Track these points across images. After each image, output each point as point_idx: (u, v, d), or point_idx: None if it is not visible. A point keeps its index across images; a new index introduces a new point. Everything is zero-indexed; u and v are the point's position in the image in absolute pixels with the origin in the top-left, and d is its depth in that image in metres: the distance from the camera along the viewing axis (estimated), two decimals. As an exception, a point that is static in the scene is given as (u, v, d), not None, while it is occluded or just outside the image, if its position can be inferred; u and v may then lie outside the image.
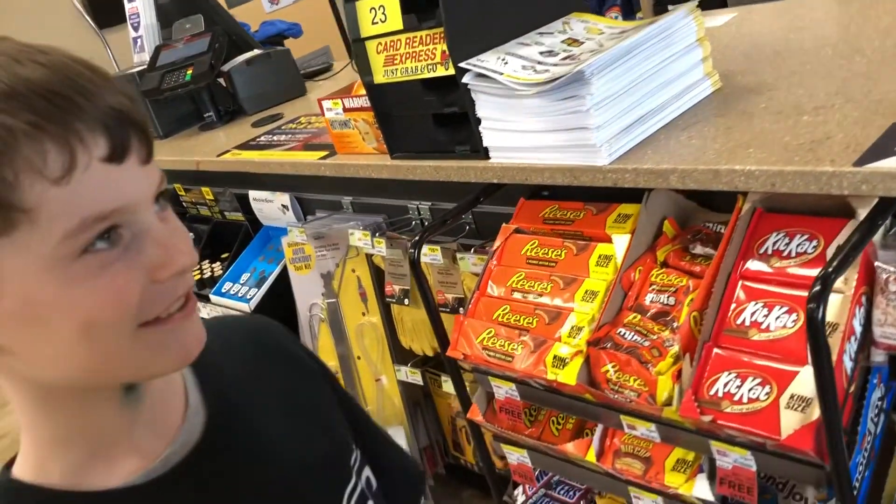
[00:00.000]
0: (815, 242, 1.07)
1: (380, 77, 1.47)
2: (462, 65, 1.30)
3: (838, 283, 1.01)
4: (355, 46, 1.49)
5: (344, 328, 2.05)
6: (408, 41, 1.40)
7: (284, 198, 2.16)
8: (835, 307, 1.00)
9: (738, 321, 1.08)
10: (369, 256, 1.91)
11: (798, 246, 1.08)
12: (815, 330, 0.87)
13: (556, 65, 1.26)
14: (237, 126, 2.46)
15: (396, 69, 1.44)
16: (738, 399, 1.02)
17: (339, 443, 0.73)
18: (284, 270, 2.18)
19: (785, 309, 1.05)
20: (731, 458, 1.06)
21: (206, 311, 2.36)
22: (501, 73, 1.25)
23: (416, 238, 1.43)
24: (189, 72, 2.39)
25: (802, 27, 1.52)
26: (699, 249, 1.22)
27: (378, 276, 1.93)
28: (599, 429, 1.26)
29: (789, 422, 0.96)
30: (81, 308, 0.50)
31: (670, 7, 1.38)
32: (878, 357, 0.99)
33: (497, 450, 1.45)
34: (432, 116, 1.46)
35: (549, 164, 1.27)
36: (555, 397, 1.26)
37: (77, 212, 0.49)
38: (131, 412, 0.59)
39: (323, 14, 3.89)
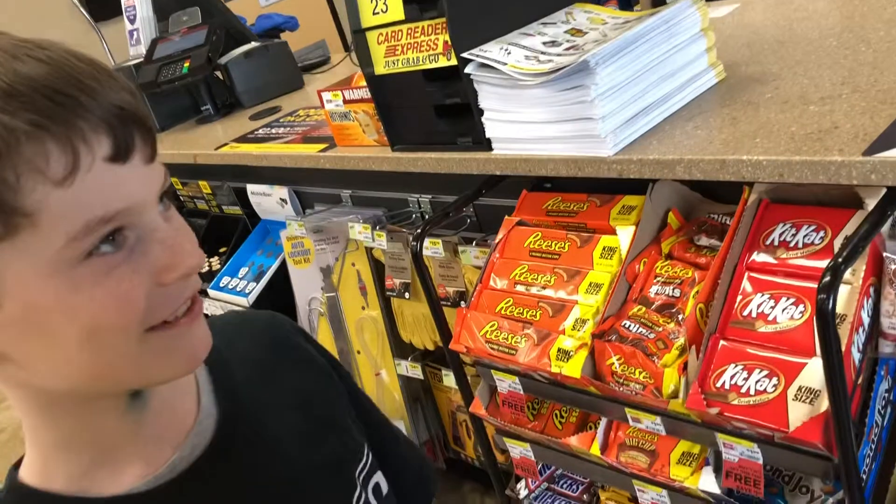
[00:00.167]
0: (821, 233, 1.06)
1: (381, 68, 1.46)
2: (464, 55, 1.29)
3: (846, 275, 1.00)
4: (356, 37, 1.47)
5: (343, 322, 2.04)
6: (409, 32, 1.38)
7: (283, 191, 2.15)
8: (843, 298, 0.99)
9: (745, 313, 1.07)
10: (369, 250, 1.90)
11: (805, 237, 1.07)
12: (825, 321, 0.86)
13: (559, 55, 1.25)
14: (235, 119, 2.45)
15: (398, 60, 1.42)
16: (746, 391, 1.01)
17: (350, 446, 0.71)
18: (283, 264, 2.17)
19: (792, 300, 1.04)
20: (737, 450, 1.05)
21: (203, 306, 2.34)
22: (504, 64, 1.24)
23: (419, 231, 1.42)
24: (186, 64, 2.37)
25: (805, 17, 1.51)
26: (704, 241, 1.21)
27: (378, 269, 1.92)
28: (604, 422, 1.25)
29: (797, 414, 0.96)
30: (85, 313, 0.49)
31: (668, 0, 1.37)
32: (887, 348, 0.99)
33: (499, 443, 1.44)
34: (434, 108, 1.44)
35: (552, 155, 1.26)
36: (559, 390, 1.25)
37: (81, 214, 0.47)
38: (137, 419, 0.57)
39: (319, 8, 3.87)
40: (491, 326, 1.30)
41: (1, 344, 0.50)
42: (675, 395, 1.06)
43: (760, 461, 1.04)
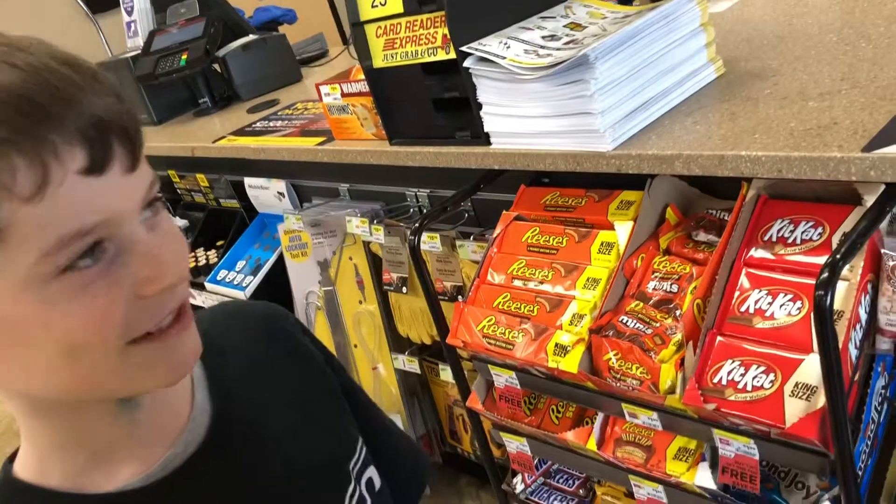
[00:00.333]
0: (820, 229, 1.06)
1: (379, 61, 1.45)
2: (463, 49, 1.28)
3: (844, 271, 1.00)
4: (354, 30, 1.46)
5: (341, 316, 2.03)
6: (408, 25, 1.37)
7: (280, 185, 2.14)
8: (841, 295, 0.99)
9: (742, 309, 1.07)
10: (366, 244, 1.90)
11: (803, 233, 1.07)
12: (823, 317, 0.86)
13: (558, 49, 1.24)
14: (232, 112, 2.44)
15: (396, 53, 1.42)
16: (742, 387, 1.01)
17: (344, 442, 0.71)
18: (280, 258, 2.16)
19: (790, 296, 1.04)
20: (733, 446, 1.05)
21: (200, 300, 2.34)
22: (504, 58, 1.23)
23: (416, 225, 1.41)
24: (184, 57, 2.36)
25: (806, 12, 1.50)
26: (702, 236, 1.20)
27: (375, 263, 1.92)
28: (600, 417, 1.25)
29: (794, 410, 0.96)
30: (61, 329, 0.48)
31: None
32: (884, 345, 0.99)
33: (495, 438, 1.44)
34: (432, 102, 1.44)
35: (551, 149, 1.26)
36: (555, 385, 1.25)
37: (53, 230, 0.45)
38: (129, 419, 0.57)
39: (317, 1, 3.85)
40: (488, 321, 1.30)
41: None
42: (671, 390, 1.06)
43: (757, 457, 1.04)
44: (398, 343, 1.96)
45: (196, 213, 2.57)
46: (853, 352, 0.97)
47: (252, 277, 2.18)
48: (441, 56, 1.34)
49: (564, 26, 1.34)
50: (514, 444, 1.41)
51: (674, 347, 1.10)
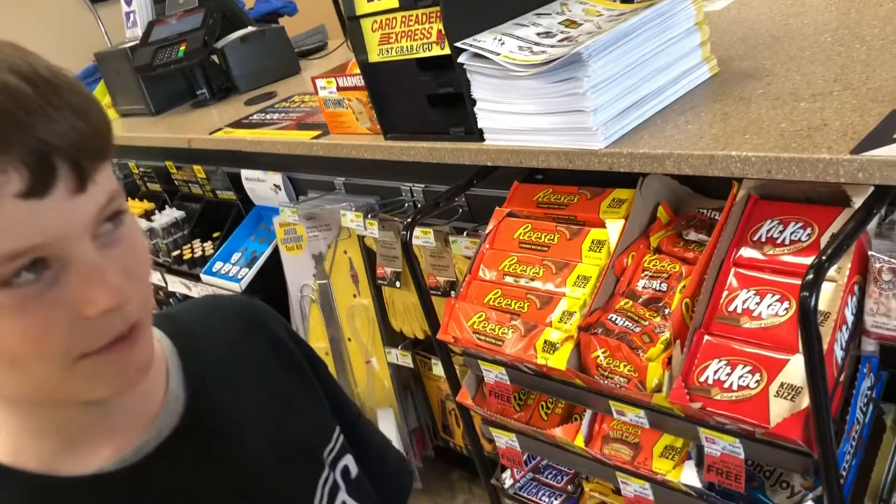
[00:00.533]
0: (808, 230, 1.06)
1: (374, 56, 1.45)
2: (458, 44, 1.28)
3: (831, 272, 1.00)
4: (350, 24, 1.47)
5: (335, 309, 2.04)
6: (403, 20, 1.38)
7: (277, 177, 2.15)
8: (827, 296, 0.99)
9: (730, 308, 1.08)
10: (361, 238, 1.90)
11: (792, 234, 1.07)
12: (807, 319, 0.87)
13: (553, 46, 1.24)
14: (230, 104, 2.44)
15: (391, 48, 1.42)
16: (728, 387, 1.01)
17: (317, 431, 0.72)
18: (276, 251, 2.17)
19: (777, 297, 1.04)
20: (719, 445, 1.06)
21: (196, 291, 2.34)
22: (498, 54, 1.23)
23: (408, 220, 1.42)
24: (182, 48, 2.36)
25: (802, 12, 1.50)
26: (693, 235, 1.21)
27: (370, 257, 1.92)
28: (588, 414, 1.25)
29: (778, 410, 0.96)
30: (2, 343, 0.48)
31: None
32: (869, 346, 0.99)
33: (486, 433, 1.45)
34: (427, 97, 1.44)
35: (544, 147, 1.26)
36: (545, 382, 1.26)
37: None
38: (100, 409, 0.58)
39: (319, -8, 3.84)
40: (479, 317, 1.30)
41: None
42: (658, 389, 1.07)
43: (742, 456, 1.04)
44: (391, 337, 1.97)
45: (193, 205, 2.57)
46: (839, 353, 0.97)
47: (247, 270, 2.18)
48: (436, 51, 1.34)
49: (560, 23, 1.34)
50: (504, 440, 1.41)
51: (662, 346, 1.10)
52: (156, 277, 2.53)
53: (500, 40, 1.27)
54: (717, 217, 1.20)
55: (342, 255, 1.98)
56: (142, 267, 0.54)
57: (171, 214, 2.52)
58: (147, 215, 2.62)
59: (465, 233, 1.58)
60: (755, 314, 1.05)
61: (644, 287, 1.19)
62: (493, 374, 1.34)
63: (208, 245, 2.41)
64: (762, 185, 1.13)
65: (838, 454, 1.00)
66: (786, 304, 1.03)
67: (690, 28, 1.30)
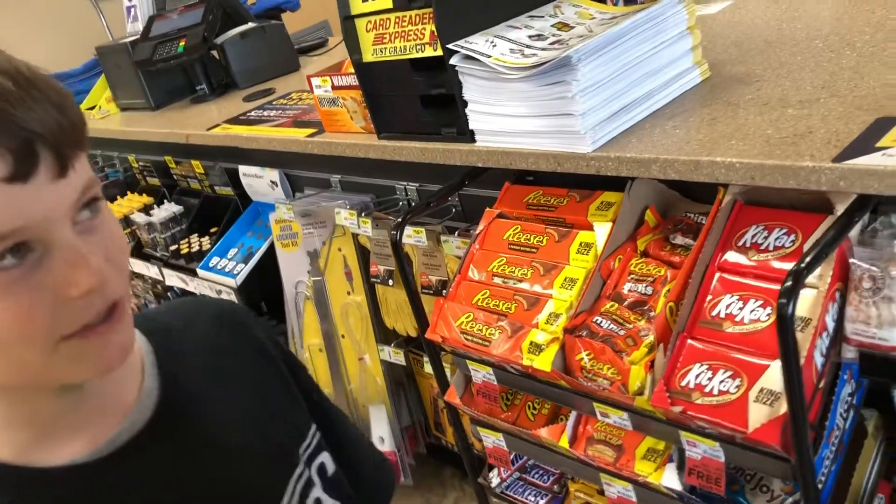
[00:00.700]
0: (793, 237, 1.07)
1: (368, 56, 1.46)
2: (450, 46, 1.29)
3: (813, 279, 1.01)
4: (345, 24, 1.47)
5: (329, 306, 2.05)
6: (397, 20, 1.38)
7: (274, 174, 2.16)
8: (808, 302, 1.00)
9: (714, 313, 1.08)
10: (355, 236, 1.91)
11: (776, 240, 1.08)
12: (785, 325, 0.87)
13: (544, 49, 1.25)
14: (229, 99, 2.45)
15: (385, 48, 1.43)
16: (709, 391, 1.02)
17: (291, 429, 0.73)
18: (272, 247, 2.18)
19: (760, 302, 1.05)
20: (700, 448, 1.07)
21: (193, 286, 2.36)
22: (489, 56, 1.24)
23: (398, 220, 1.42)
24: (182, 43, 2.37)
25: (796, 17, 1.50)
26: (679, 240, 1.21)
27: (364, 255, 1.93)
28: (573, 415, 1.26)
29: (757, 415, 0.97)
30: None
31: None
32: (849, 353, 1.00)
33: (473, 432, 1.46)
34: (420, 97, 1.45)
35: (533, 149, 1.26)
36: (531, 383, 1.26)
37: None
38: (74, 399, 0.59)
39: (322, -13, 3.84)
40: (466, 317, 1.31)
41: None
42: (640, 392, 1.08)
43: (722, 460, 1.05)
44: (384, 334, 1.98)
45: (191, 200, 2.58)
46: (819, 359, 0.98)
47: (243, 265, 2.19)
48: (429, 52, 1.35)
49: (552, 26, 1.35)
50: (491, 439, 1.42)
51: (645, 349, 1.11)
52: (153, 272, 2.55)
53: (491, 42, 1.28)
54: (704, 221, 1.20)
55: (337, 252, 1.99)
56: (120, 252, 0.57)
57: (169, 209, 2.53)
58: (146, 209, 2.64)
59: (456, 233, 1.58)
60: (738, 319, 1.06)
61: (630, 290, 1.20)
62: (481, 374, 1.35)
63: (206, 240, 2.42)
64: (748, 190, 1.13)
65: (817, 459, 1.01)
66: (768, 310, 1.03)
67: (682, 32, 1.30)
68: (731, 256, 1.11)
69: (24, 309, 0.50)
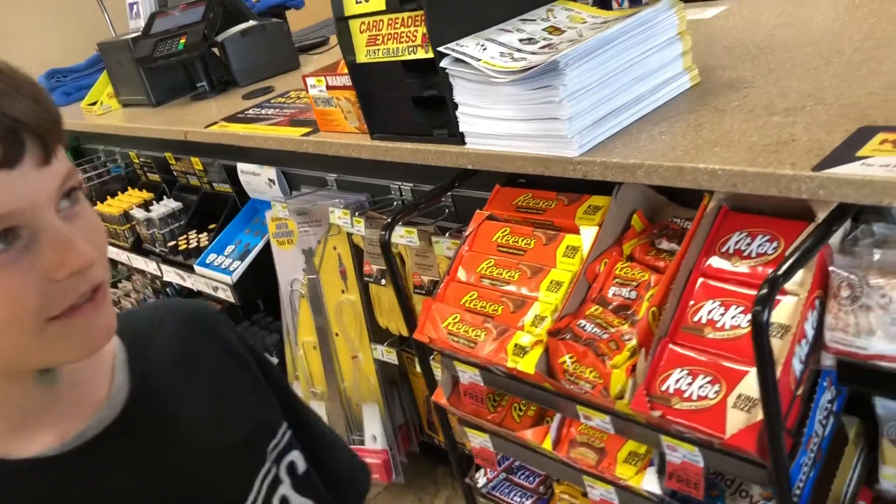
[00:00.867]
0: (775, 244, 1.07)
1: (362, 57, 1.47)
2: (441, 49, 1.30)
3: (793, 286, 1.02)
4: (339, 25, 1.48)
5: (323, 304, 2.06)
6: (390, 22, 1.39)
7: (271, 172, 2.17)
8: (788, 310, 1.01)
9: (695, 318, 1.09)
10: (350, 235, 1.92)
11: (759, 246, 1.09)
12: (760, 332, 0.88)
13: (533, 53, 1.26)
14: (229, 97, 2.46)
15: (378, 49, 1.43)
16: (688, 396, 1.03)
17: (260, 427, 0.75)
18: (268, 244, 2.19)
19: (741, 309, 1.05)
20: (680, 453, 1.07)
21: (190, 282, 2.38)
22: (479, 59, 1.24)
23: (388, 221, 1.43)
24: (182, 41, 2.39)
25: (788, 23, 1.51)
26: (665, 245, 1.22)
27: (358, 254, 1.94)
28: (558, 418, 1.27)
29: (735, 421, 0.97)
30: None
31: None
32: (828, 361, 1.00)
33: (462, 432, 1.47)
34: (412, 99, 1.46)
35: (521, 152, 1.27)
36: (516, 384, 1.27)
37: None
38: (48, 391, 0.61)
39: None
40: (454, 318, 1.32)
41: None
42: (621, 395, 1.08)
43: (701, 465, 1.06)
44: (378, 333, 1.99)
45: (190, 196, 2.60)
46: (797, 366, 0.99)
47: (239, 262, 2.21)
48: (421, 55, 1.35)
49: (543, 30, 1.35)
50: (478, 440, 1.43)
51: (627, 353, 1.12)
52: (152, 267, 2.57)
53: (482, 45, 1.29)
54: (689, 227, 1.21)
55: (331, 251, 2.00)
56: (100, 239, 0.59)
57: (168, 205, 2.55)
58: (145, 205, 2.66)
59: (447, 233, 1.59)
60: (719, 325, 1.07)
61: (615, 294, 1.21)
62: (468, 375, 1.36)
63: (203, 236, 2.44)
64: (733, 196, 1.14)
65: (795, 465, 1.01)
66: (748, 317, 1.04)
67: (672, 38, 1.30)
68: (715, 262, 1.12)
69: (13, 291, 0.53)
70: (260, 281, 2.21)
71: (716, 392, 1.01)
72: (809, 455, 1.04)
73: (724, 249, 1.12)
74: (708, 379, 1.03)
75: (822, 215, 1.00)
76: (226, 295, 2.22)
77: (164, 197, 2.66)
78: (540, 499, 1.45)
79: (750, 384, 0.99)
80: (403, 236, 1.62)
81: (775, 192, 0.98)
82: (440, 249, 1.57)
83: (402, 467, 2.17)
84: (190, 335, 0.75)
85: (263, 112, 2.08)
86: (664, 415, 1.03)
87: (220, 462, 0.70)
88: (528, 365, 1.18)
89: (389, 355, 1.95)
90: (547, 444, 1.25)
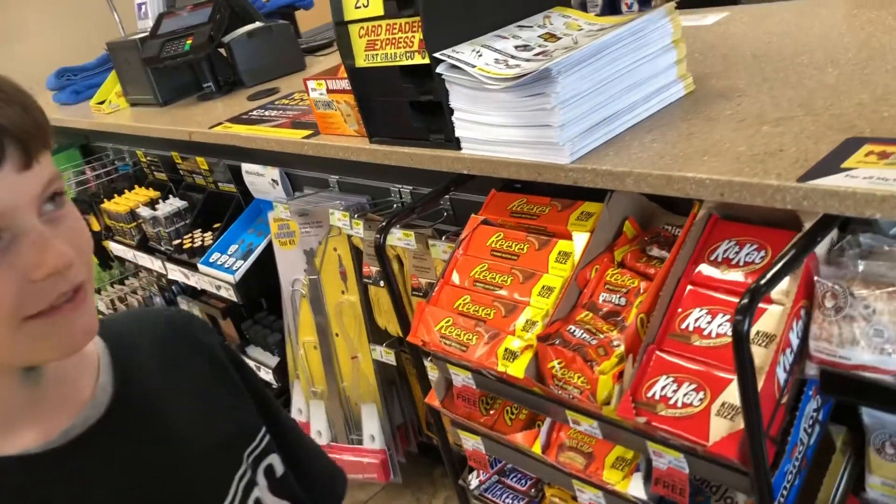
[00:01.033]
0: (762, 253, 1.08)
1: (361, 61, 1.49)
2: (437, 55, 1.31)
3: (779, 296, 1.02)
4: (338, 29, 1.50)
5: (324, 305, 2.08)
6: (388, 27, 1.41)
7: (275, 172, 2.19)
8: (774, 319, 1.01)
9: (683, 326, 1.10)
10: (350, 236, 1.94)
11: (747, 255, 1.09)
12: (740, 341, 0.89)
13: (528, 60, 1.27)
14: (234, 98, 2.48)
15: (377, 54, 1.45)
16: (673, 403, 1.04)
17: (238, 430, 0.77)
18: (271, 244, 2.21)
19: (727, 317, 1.06)
20: (665, 459, 1.08)
21: (194, 280, 2.40)
22: (473, 66, 1.26)
23: (382, 224, 1.45)
24: (188, 42, 2.41)
25: (786, 31, 1.51)
26: (656, 252, 1.23)
27: (358, 255, 1.96)
28: (547, 422, 1.28)
29: (718, 429, 0.98)
30: None
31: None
32: (811, 370, 1.01)
33: (455, 434, 1.48)
34: (409, 104, 1.47)
35: (514, 158, 1.28)
36: (507, 388, 1.29)
37: None
38: (32, 389, 0.63)
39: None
40: (446, 322, 1.33)
41: None
42: (608, 401, 1.09)
43: (686, 471, 1.07)
44: (377, 334, 2.01)
45: (196, 195, 2.63)
46: (781, 375, 0.99)
47: (242, 262, 2.23)
48: (417, 60, 1.37)
49: (539, 36, 1.36)
50: (471, 442, 1.45)
51: (616, 359, 1.13)
52: (157, 265, 2.59)
53: (477, 52, 1.30)
54: (680, 234, 1.22)
55: (332, 252, 2.02)
56: (83, 241, 0.61)
57: (173, 204, 2.58)
58: (152, 203, 2.69)
59: (443, 237, 1.61)
60: (706, 333, 1.07)
61: (605, 300, 1.22)
62: (461, 378, 1.37)
63: (208, 235, 2.46)
64: (723, 205, 1.14)
65: (779, 473, 1.02)
66: (734, 325, 1.04)
67: (667, 46, 1.31)
68: (704, 270, 1.12)
69: None
70: (262, 280, 2.23)
71: (700, 399, 1.02)
72: (794, 463, 1.05)
73: (713, 257, 1.12)
74: (693, 386, 1.04)
75: (808, 225, 1.01)
76: (228, 294, 2.25)
77: (171, 196, 2.69)
78: (531, 501, 1.47)
79: (734, 392, 0.99)
80: (401, 239, 1.64)
81: (761, 202, 0.99)
82: (437, 253, 1.59)
83: (401, 467, 2.18)
84: (172, 340, 0.77)
85: (267, 113, 2.10)
86: (649, 421, 1.04)
87: (201, 462, 0.72)
88: (517, 369, 1.20)
89: (388, 356, 1.96)
90: (537, 448, 1.26)
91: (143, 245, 2.67)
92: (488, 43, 1.33)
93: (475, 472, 1.54)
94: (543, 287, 1.27)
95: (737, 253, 1.11)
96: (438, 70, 1.31)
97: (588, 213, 1.30)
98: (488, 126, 1.31)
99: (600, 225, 1.27)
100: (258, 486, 0.75)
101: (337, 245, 2.00)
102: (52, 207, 0.59)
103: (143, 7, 2.73)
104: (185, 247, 2.47)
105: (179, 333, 0.78)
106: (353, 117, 1.65)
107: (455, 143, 1.39)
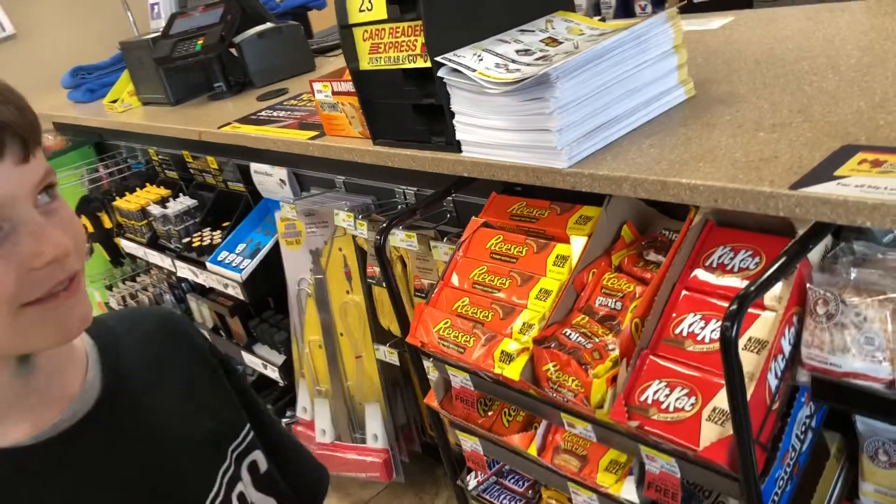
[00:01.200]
0: (757, 259, 1.08)
1: (365, 64, 1.50)
2: (438, 59, 1.32)
3: (771, 302, 1.03)
4: (342, 32, 1.51)
5: (329, 304, 2.10)
6: (391, 31, 1.42)
7: (283, 172, 2.21)
8: (766, 325, 1.02)
9: (677, 331, 1.10)
10: (355, 237, 1.95)
11: (741, 261, 1.10)
12: (728, 347, 0.89)
13: (528, 64, 1.28)
14: (244, 98, 2.51)
15: (380, 57, 1.46)
16: (665, 408, 1.04)
17: (224, 427, 0.79)
18: (278, 243, 2.23)
19: (720, 323, 1.06)
20: (658, 463, 1.09)
21: (202, 278, 2.43)
22: (474, 70, 1.27)
23: (383, 226, 1.46)
24: (200, 42, 2.44)
25: (789, 37, 1.51)
26: (652, 256, 1.23)
27: (362, 256, 1.98)
28: (543, 424, 1.29)
29: (709, 434, 0.99)
30: None
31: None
32: (803, 377, 1.01)
33: (453, 435, 1.49)
34: (412, 106, 1.48)
35: (514, 162, 1.29)
36: (504, 390, 1.30)
37: None
38: (24, 382, 0.65)
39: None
40: (444, 324, 1.34)
41: None
42: (601, 405, 1.10)
43: (678, 475, 1.07)
44: (381, 334, 2.02)
45: (206, 194, 2.66)
46: (772, 381, 1.00)
47: (250, 261, 2.25)
48: (420, 64, 1.38)
49: (541, 41, 1.37)
50: (469, 443, 1.46)
51: (610, 363, 1.14)
52: (167, 263, 2.63)
53: (478, 56, 1.31)
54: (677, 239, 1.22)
55: (337, 252, 2.04)
56: (77, 231, 0.64)
57: (184, 202, 2.60)
58: (162, 202, 2.72)
59: (445, 239, 1.62)
60: (699, 338, 1.08)
61: (601, 304, 1.23)
62: (459, 379, 1.38)
63: (217, 234, 2.49)
64: (719, 210, 1.15)
65: (770, 479, 1.02)
66: (727, 331, 1.05)
67: (667, 51, 1.31)
68: (699, 275, 1.13)
69: None
70: (269, 279, 2.25)
71: (691, 404, 1.03)
72: (785, 469, 1.05)
73: (708, 263, 1.13)
74: (685, 391, 1.04)
75: (801, 232, 1.01)
76: (235, 292, 2.27)
77: (181, 194, 2.72)
78: (528, 503, 1.48)
79: (725, 398, 1.00)
80: (404, 240, 1.65)
81: (754, 208, 0.99)
82: (438, 254, 1.60)
83: (404, 467, 2.20)
84: (161, 338, 0.79)
85: (275, 114, 2.12)
86: (641, 425, 1.05)
87: (187, 457, 0.74)
88: (513, 372, 1.21)
89: (391, 356, 1.98)
90: (532, 450, 1.27)
91: (154, 242, 2.71)
92: (490, 47, 1.34)
93: (473, 473, 1.55)
94: (541, 290, 1.28)
95: (731, 259, 1.11)
96: (440, 74, 1.33)
97: (586, 217, 1.31)
98: (488, 130, 1.32)
99: (598, 229, 1.28)
100: (242, 481, 0.76)
101: (342, 245, 2.02)
102: (46, 199, 0.61)
103: (157, 7, 2.76)
104: (194, 245, 2.50)
105: (169, 332, 0.80)
106: (357, 119, 1.67)
107: (456, 146, 1.40)
